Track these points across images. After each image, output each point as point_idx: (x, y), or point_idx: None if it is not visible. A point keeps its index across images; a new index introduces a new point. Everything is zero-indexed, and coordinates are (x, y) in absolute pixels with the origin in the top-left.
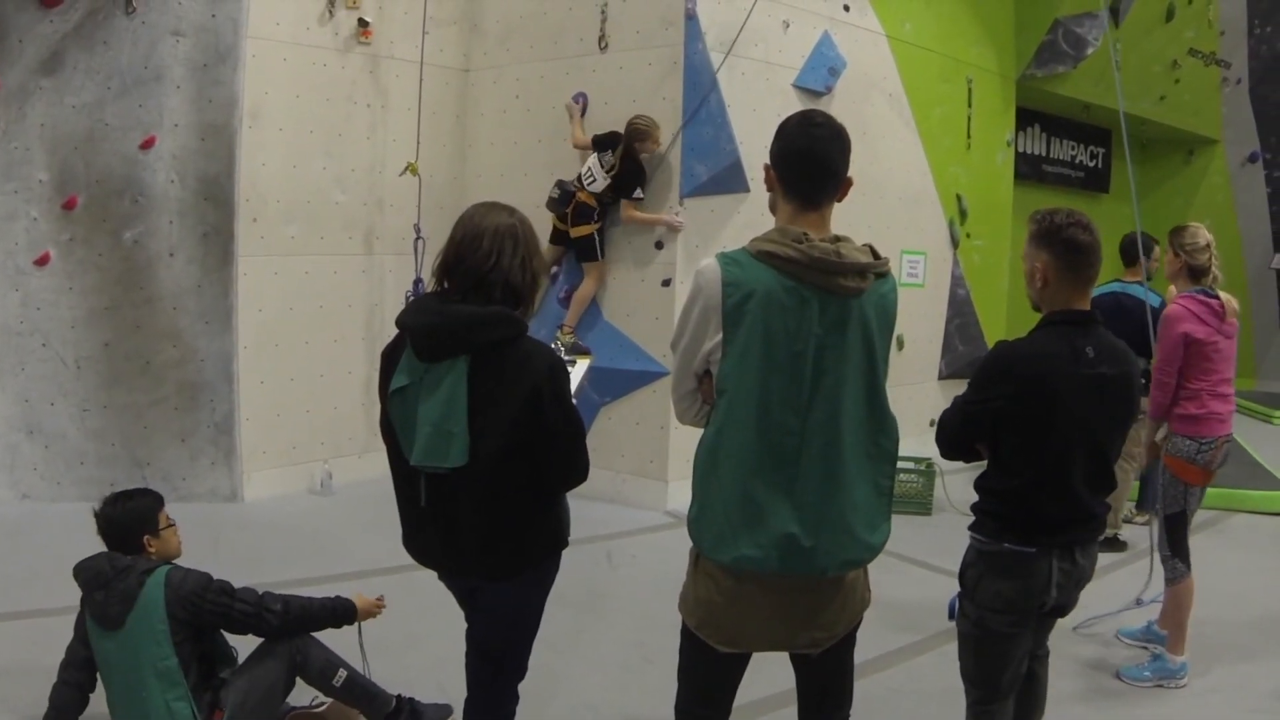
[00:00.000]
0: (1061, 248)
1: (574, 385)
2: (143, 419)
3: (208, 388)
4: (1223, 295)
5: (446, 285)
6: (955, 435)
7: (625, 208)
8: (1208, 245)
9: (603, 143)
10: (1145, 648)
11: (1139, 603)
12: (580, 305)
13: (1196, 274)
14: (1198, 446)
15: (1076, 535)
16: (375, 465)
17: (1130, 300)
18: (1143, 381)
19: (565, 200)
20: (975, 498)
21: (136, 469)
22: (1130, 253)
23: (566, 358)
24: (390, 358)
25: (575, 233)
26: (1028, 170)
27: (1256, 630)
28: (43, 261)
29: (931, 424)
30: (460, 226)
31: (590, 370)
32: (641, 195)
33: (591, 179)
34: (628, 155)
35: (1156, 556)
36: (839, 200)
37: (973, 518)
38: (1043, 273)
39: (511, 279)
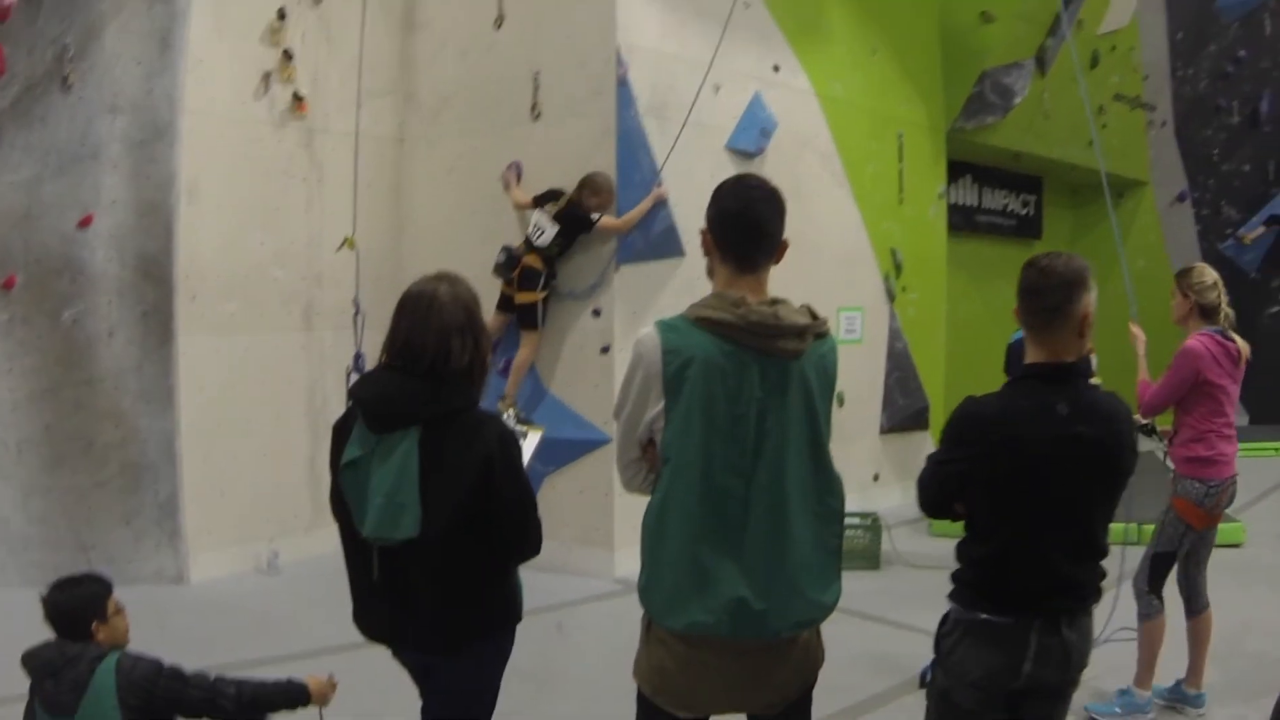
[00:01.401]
0: (1019, 290)
1: (526, 457)
2: (86, 501)
3: (151, 468)
4: (1238, 340)
5: (396, 360)
6: (931, 495)
7: (602, 227)
8: (1215, 283)
9: (545, 198)
10: (1176, 709)
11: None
12: (518, 374)
13: (1208, 313)
14: (1205, 489)
15: (1059, 606)
16: (322, 542)
17: None
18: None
19: (511, 264)
20: (924, 551)
21: (81, 553)
22: None
23: (518, 428)
24: (341, 431)
25: (520, 299)
26: (961, 221)
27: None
28: None
29: (876, 479)
30: (405, 319)
31: (542, 441)
32: (599, 217)
33: (539, 232)
34: (574, 203)
35: (1125, 589)
36: (776, 263)
37: (924, 571)
38: (1018, 318)
39: (460, 367)
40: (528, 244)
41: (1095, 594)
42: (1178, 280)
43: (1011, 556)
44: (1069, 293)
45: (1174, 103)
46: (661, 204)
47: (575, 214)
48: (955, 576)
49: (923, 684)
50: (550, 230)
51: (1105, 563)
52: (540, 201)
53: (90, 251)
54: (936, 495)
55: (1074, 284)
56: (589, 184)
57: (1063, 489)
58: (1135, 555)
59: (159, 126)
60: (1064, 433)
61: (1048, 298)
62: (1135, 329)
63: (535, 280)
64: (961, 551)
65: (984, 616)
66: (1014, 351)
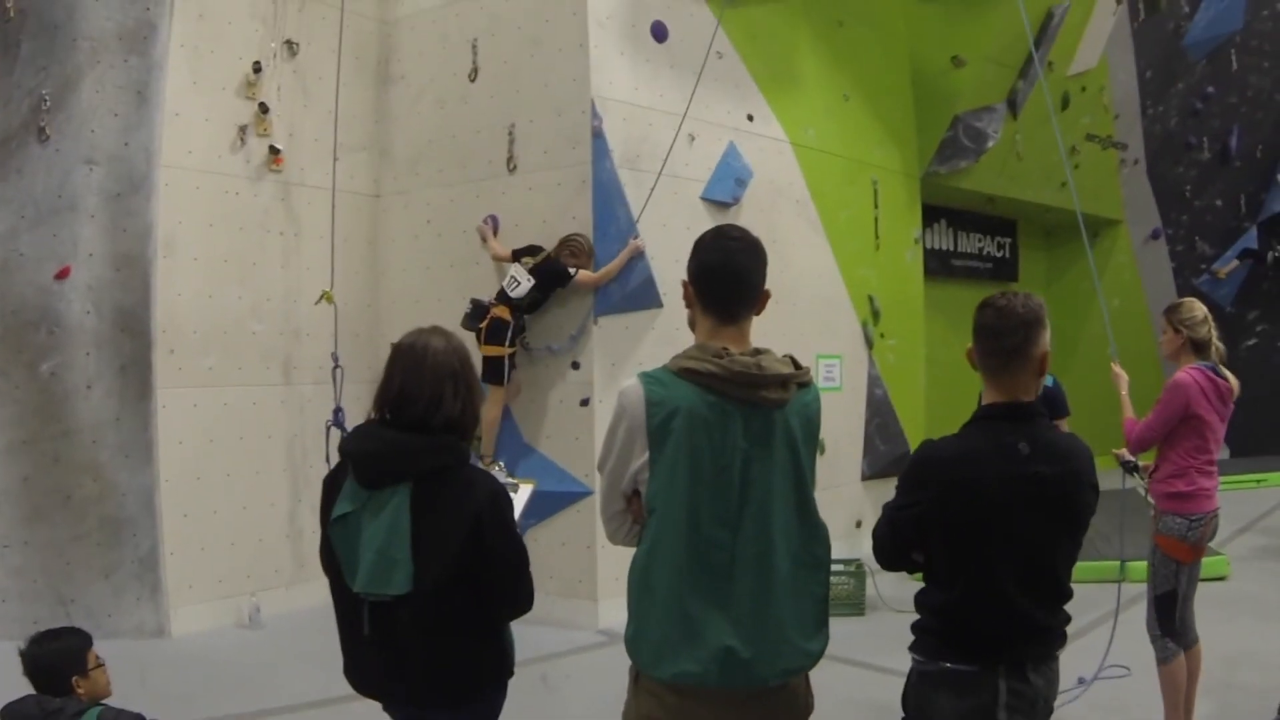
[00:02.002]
0: (973, 330)
1: (517, 512)
2: (65, 555)
3: (130, 522)
4: (1230, 377)
5: (387, 414)
6: (886, 545)
7: (579, 282)
8: (1205, 318)
9: (523, 252)
10: None
11: (1080, 681)
12: (490, 432)
13: (1199, 348)
14: (1188, 524)
15: (1025, 652)
16: (303, 597)
17: None
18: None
19: (479, 315)
20: (908, 596)
21: (60, 606)
22: None
23: (508, 481)
24: (332, 485)
25: (485, 351)
26: (937, 266)
27: None
28: None
29: (858, 525)
30: (399, 366)
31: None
32: (576, 271)
33: (515, 284)
34: (551, 258)
35: (1122, 627)
36: (757, 313)
37: (909, 615)
38: (971, 358)
39: (452, 418)
40: (500, 295)
41: (1060, 639)
42: (1167, 315)
43: (973, 602)
44: (1028, 333)
45: (1145, 141)
46: (639, 256)
47: (554, 268)
48: (916, 626)
49: None
50: (525, 284)
51: (1078, 604)
52: (518, 255)
53: (67, 304)
54: (892, 544)
55: (1032, 324)
56: (569, 244)
57: (1024, 530)
58: (1127, 592)
59: (135, 179)
60: (1024, 471)
61: (1007, 339)
62: (1117, 369)
63: (503, 333)
64: (921, 601)
65: (948, 665)
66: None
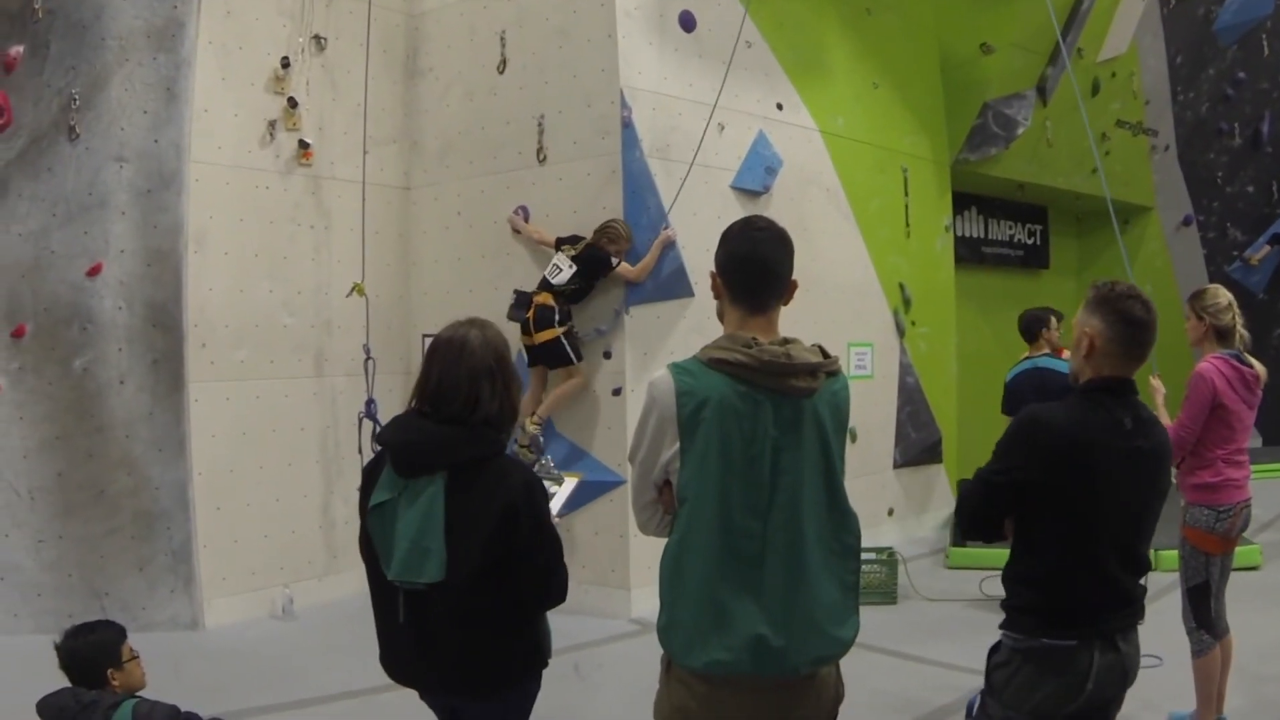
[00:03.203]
0: (1115, 318)
1: (559, 503)
2: (99, 549)
3: (164, 516)
4: (1255, 364)
5: (427, 407)
6: (977, 510)
7: (620, 272)
8: (1230, 305)
9: (565, 241)
10: None
11: None
12: (558, 401)
13: (1223, 335)
14: (1215, 515)
15: (1117, 622)
16: (336, 588)
17: (1051, 374)
18: None
19: (524, 305)
20: (940, 584)
21: (95, 599)
22: (1030, 330)
23: (554, 474)
24: (371, 474)
25: (540, 337)
26: (967, 253)
27: None
28: None
29: (890, 513)
30: (436, 362)
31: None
32: (618, 261)
33: (557, 271)
34: (593, 245)
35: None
36: (785, 303)
37: (941, 604)
38: (1090, 339)
39: (490, 415)
40: (543, 284)
41: (1141, 609)
42: (1190, 303)
43: (1072, 572)
44: (1157, 331)
45: (1176, 127)
46: (670, 245)
47: (596, 255)
48: (1010, 604)
49: (969, 716)
50: (568, 270)
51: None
52: (560, 244)
53: (99, 300)
54: (981, 510)
55: (1157, 322)
56: (607, 231)
57: (1124, 501)
58: (1157, 581)
59: (165, 175)
60: (1128, 445)
61: (1154, 332)
62: (1156, 382)
63: (551, 317)
64: (1014, 576)
65: (1046, 642)
66: (1015, 390)
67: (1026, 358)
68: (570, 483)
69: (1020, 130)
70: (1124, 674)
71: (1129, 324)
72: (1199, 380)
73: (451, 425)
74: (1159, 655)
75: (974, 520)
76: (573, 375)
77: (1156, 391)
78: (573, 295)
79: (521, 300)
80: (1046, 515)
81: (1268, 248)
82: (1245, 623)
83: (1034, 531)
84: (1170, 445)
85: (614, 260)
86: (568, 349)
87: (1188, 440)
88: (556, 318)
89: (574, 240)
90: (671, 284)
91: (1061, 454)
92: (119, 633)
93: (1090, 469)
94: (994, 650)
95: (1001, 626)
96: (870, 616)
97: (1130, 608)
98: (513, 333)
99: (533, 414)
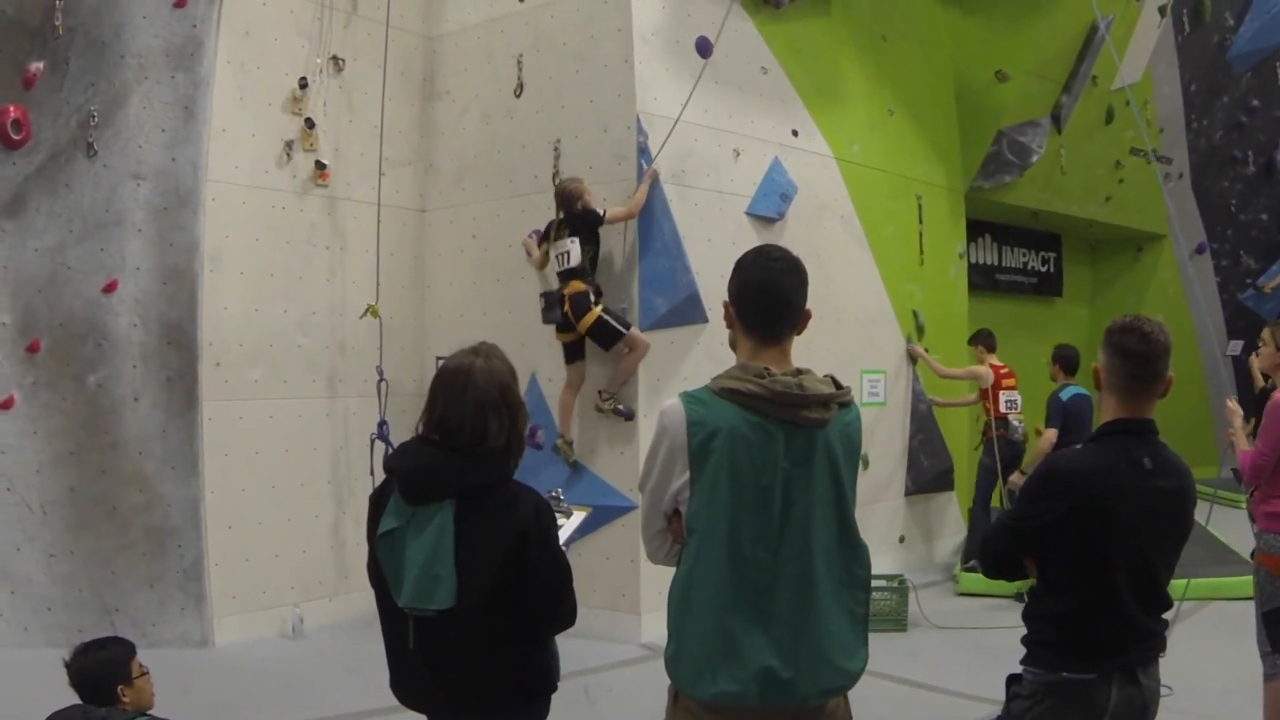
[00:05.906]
0: (1113, 350)
1: (567, 534)
2: (110, 565)
3: (175, 533)
4: None
5: (434, 435)
6: (1001, 553)
7: (611, 218)
8: None
9: (543, 238)
10: None
11: None
12: (626, 372)
13: None
14: None
15: (1136, 655)
16: (346, 608)
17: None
18: None
19: (556, 303)
20: (949, 611)
21: (105, 615)
22: (1070, 362)
23: (563, 507)
24: (378, 502)
25: (584, 325)
26: (981, 280)
27: None
28: (7, 405)
29: (901, 540)
30: (440, 394)
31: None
32: (604, 211)
33: (565, 256)
34: (570, 214)
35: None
36: (799, 333)
37: (950, 631)
38: (1098, 372)
39: (496, 446)
40: (564, 276)
41: (1163, 642)
42: (1272, 331)
43: (1091, 610)
44: (1166, 361)
45: (1190, 155)
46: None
47: (582, 216)
48: (1031, 640)
49: None
50: (572, 248)
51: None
52: (541, 241)
53: (115, 317)
54: (1005, 552)
55: (1169, 352)
56: (566, 194)
57: (1143, 541)
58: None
59: (182, 194)
60: (1148, 486)
61: (1154, 364)
62: (1232, 404)
63: (586, 302)
64: (1035, 614)
65: (1067, 676)
66: (1075, 411)
67: (1071, 383)
68: (579, 515)
69: (1035, 158)
70: (1144, 707)
71: (1125, 356)
72: (1275, 409)
73: (459, 454)
74: (1169, 685)
75: (997, 562)
76: (632, 345)
77: (1234, 414)
78: (592, 263)
79: (552, 300)
80: (1066, 557)
81: None
82: None
83: (1054, 572)
84: (1194, 485)
85: (599, 210)
86: (613, 323)
87: (1265, 468)
88: (591, 299)
89: (547, 232)
90: (686, 309)
91: (1081, 502)
92: (128, 649)
93: (1109, 513)
94: (1013, 680)
95: (1023, 662)
96: (880, 643)
97: (1149, 640)
98: (545, 337)
99: (601, 393)
